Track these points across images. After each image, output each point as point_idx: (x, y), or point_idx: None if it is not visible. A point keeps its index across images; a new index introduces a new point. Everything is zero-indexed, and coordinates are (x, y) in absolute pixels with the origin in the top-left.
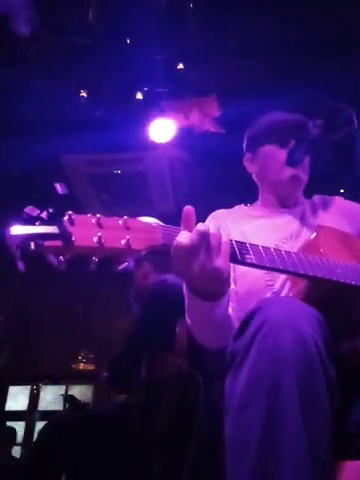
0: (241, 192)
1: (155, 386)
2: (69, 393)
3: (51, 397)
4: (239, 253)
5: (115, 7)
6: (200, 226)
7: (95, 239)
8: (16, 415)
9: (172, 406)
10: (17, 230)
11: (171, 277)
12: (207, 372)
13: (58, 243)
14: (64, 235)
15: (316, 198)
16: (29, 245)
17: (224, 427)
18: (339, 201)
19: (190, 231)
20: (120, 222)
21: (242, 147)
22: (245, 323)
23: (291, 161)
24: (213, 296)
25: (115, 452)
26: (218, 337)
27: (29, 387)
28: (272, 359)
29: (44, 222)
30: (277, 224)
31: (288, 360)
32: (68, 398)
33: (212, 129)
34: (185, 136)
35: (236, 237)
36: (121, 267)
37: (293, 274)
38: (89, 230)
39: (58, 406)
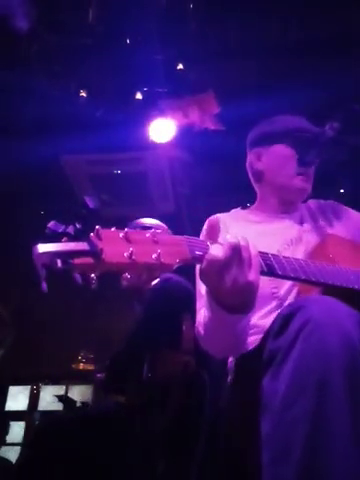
0: (241, 192)
1: (160, 385)
2: (69, 393)
3: (51, 397)
4: (265, 265)
5: (115, 7)
6: (231, 239)
7: (126, 254)
8: (16, 415)
9: (177, 405)
10: (44, 248)
11: (174, 275)
12: (213, 372)
13: (89, 260)
14: (95, 252)
15: (311, 203)
16: (56, 263)
17: (258, 427)
18: (334, 206)
19: (215, 242)
20: (148, 235)
21: (245, 143)
22: (285, 321)
23: (302, 163)
24: (242, 309)
25: (113, 452)
26: (233, 348)
27: (29, 387)
28: (318, 357)
29: (71, 238)
30: (277, 229)
31: (335, 358)
32: (63, 398)
33: (212, 126)
34: (185, 136)
35: None
36: (154, 283)
37: (313, 284)
38: (119, 245)
39: (58, 406)
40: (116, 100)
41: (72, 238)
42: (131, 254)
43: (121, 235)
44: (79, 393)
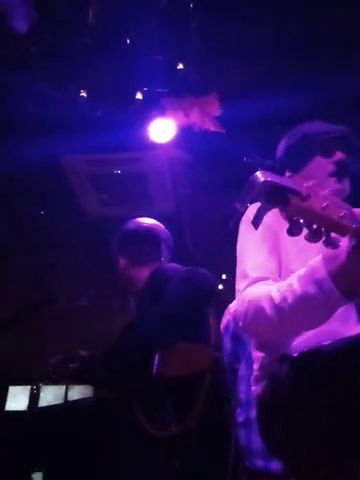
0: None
1: (176, 382)
2: (69, 393)
3: (51, 397)
4: None
5: (115, 7)
6: None
7: (322, 206)
8: (16, 415)
9: (206, 403)
10: (267, 176)
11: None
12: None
13: (303, 203)
14: (303, 195)
15: None
16: (269, 195)
17: None
18: None
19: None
20: (323, 193)
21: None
22: None
23: (340, 174)
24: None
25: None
26: (308, 330)
27: (29, 387)
28: None
29: (277, 172)
30: None
31: None
32: None
33: (212, 128)
34: (185, 136)
35: (291, 241)
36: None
37: None
38: (318, 195)
39: None
40: (116, 100)
41: (277, 173)
42: (327, 207)
43: (310, 184)
44: (79, 393)
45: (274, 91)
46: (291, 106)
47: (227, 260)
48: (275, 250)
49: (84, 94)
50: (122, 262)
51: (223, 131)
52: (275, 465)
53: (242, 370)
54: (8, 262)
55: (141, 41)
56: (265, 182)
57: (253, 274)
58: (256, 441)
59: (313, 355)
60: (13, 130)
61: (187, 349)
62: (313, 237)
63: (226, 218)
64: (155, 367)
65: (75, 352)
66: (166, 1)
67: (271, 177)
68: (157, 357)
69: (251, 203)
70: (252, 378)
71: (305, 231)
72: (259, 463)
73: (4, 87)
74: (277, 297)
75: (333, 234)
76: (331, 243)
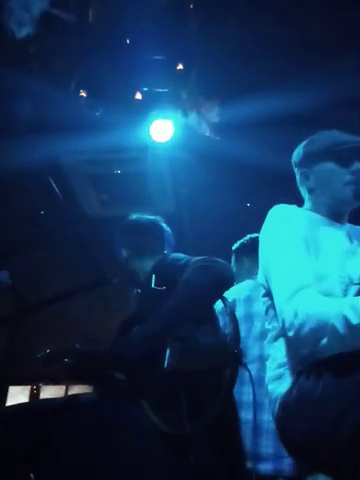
0: (242, 193)
1: (201, 376)
2: (69, 393)
3: (51, 397)
4: None
5: (115, 7)
6: None
7: None
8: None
9: (224, 398)
10: None
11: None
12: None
13: None
14: None
15: (348, 226)
16: None
17: None
18: None
19: None
20: None
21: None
22: None
23: (357, 184)
24: None
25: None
26: None
27: (29, 387)
28: None
29: None
30: (336, 235)
31: None
32: None
33: (207, 133)
34: (185, 136)
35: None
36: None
37: None
38: None
39: None
40: (116, 100)
41: None
42: None
43: None
44: (80, 393)
45: (274, 91)
46: (292, 106)
47: (227, 260)
48: (308, 255)
49: (84, 94)
50: (124, 253)
51: (218, 138)
52: (263, 467)
53: None
54: (8, 262)
55: (141, 41)
56: None
57: (296, 282)
58: (247, 444)
59: (348, 358)
60: (13, 130)
61: (203, 341)
62: None
63: None
64: (166, 361)
65: (69, 346)
66: (166, 1)
67: None
68: (169, 350)
69: None
70: (267, 378)
71: None
72: (248, 465)
73: (4, 87)
74: (353, 317)
75: None
76: None
